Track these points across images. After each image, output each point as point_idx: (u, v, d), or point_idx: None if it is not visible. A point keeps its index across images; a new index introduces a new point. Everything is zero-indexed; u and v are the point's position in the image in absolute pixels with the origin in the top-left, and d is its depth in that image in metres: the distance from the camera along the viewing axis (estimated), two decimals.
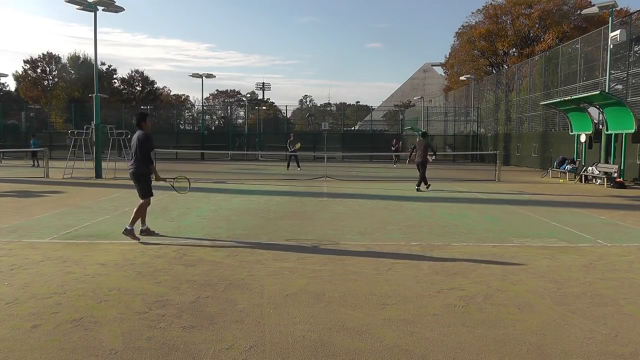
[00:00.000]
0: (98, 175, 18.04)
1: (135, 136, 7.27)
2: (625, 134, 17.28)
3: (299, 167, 23.87)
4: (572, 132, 21.02)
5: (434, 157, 15.32)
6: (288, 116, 45.88)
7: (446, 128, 45.01)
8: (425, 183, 14.72)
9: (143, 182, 7.28)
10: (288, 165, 24.09)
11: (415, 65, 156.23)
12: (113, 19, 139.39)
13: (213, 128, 57.12)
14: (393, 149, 29.49)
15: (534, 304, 4.57)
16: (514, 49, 43.27)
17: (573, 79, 24.35)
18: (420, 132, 16.38)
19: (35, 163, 25.08)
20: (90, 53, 53.85)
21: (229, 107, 56.24)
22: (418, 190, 14.36)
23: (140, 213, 7.28)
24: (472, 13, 53.28)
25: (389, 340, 3.71)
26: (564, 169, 20.17)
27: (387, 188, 15.59)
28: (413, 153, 15.12)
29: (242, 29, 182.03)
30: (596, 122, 19.56)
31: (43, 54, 54.89)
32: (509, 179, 19.28)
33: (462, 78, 41.98)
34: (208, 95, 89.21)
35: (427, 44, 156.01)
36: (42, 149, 22.47)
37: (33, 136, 27.62)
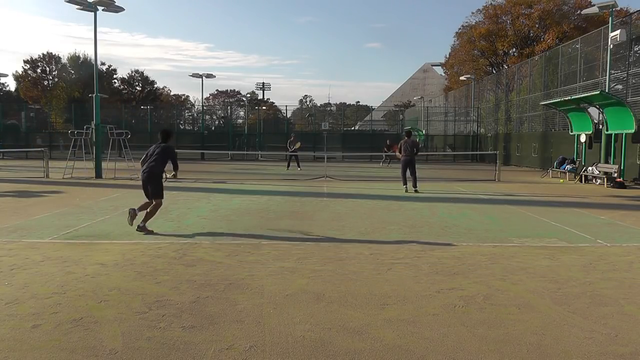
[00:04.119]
0: (98, 175, 18.05)
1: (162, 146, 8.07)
2: (625, 134, 17.27)
3: (299, 167, 23.87)
4: (572, 132, 21.01)
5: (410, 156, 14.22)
6: (288, 116, 45.86)
7: (446, 128, 44.98)
8: (404, 184, 14.15)
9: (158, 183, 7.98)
10: (288, 165, 24.09)
11: (415, 65, 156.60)
12: (111, 18, 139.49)
13: (213, 128, 57.10)
14: (386, 149, 28.80)
15: (534, 304, 4.57)
16: (514, 49, 43.27)
17: (573, 79, 24.34)
18: (406, 131, 16.02)
19: None
20: (89, 53, 53.95)
21: (229, 107, 56.24)
22: (416, 191, 13.82)
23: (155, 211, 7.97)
24: (472, 13, 53.36)
25: (389, 340, 3.71)
26: (564, 169, 20.16)
27: (387, 188, 15.57)
28: (399, 152, 14.38)
29: (240, 29, 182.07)
30: (596, 122, 19.54)
31: (43, 54, 54.98)
32: (509, 179, 19.27)
33: (462, 78, 41.97)
34: (208, 95, 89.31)
35: (427, 44, 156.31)
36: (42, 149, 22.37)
37: None
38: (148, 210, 7.86)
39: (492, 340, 3.73)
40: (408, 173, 14.21)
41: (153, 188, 7.89)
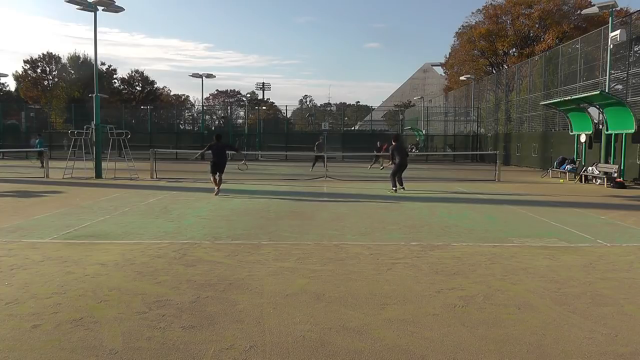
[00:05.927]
0: (98, 175, 18.05)
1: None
2: (625, 134, 17.28)
3: (313, 166, 23.19)
4: (572, 132, 21.01)
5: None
6: (288, 116, 45.88)
7: (446, 128, 44.98)
8: (394, 186, 14.49)
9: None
10: (313, 166, 23.44)
11: (415, 65, 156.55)
12: (111, 18, 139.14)
13: (213, 128, 57.07)
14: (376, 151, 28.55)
15: (534, 304, 4.57)
16: (514, 49, 43.23)
17: (573, 79, 24.33)
18: (394, 135, 16.67)
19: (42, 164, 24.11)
20: (89, 53, 53.98)
21: (229, 107, 56.25)
22: (403, 189, 14.43)
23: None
24: (472, 13, 53.26)
25: (389, 340, 3.71)
26: (564, 169, 20.16)
27: (386, 188, 15.56)
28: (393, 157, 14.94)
29: (240, 29, 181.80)
30: (596, 122, 19.55)
31: (43, 54, 54.99)
32: (509, 179, 19.27)
33: (462, 78, 41.95)
34: (208, 95, 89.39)
35: (427, 44, 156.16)
36: (45, 149, 22.38)
37: (39, 136, 26.88)
38: (219, 182, 13.13)
39: (492, 340, 3.73)
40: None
41: (222, 171, 13.26)
